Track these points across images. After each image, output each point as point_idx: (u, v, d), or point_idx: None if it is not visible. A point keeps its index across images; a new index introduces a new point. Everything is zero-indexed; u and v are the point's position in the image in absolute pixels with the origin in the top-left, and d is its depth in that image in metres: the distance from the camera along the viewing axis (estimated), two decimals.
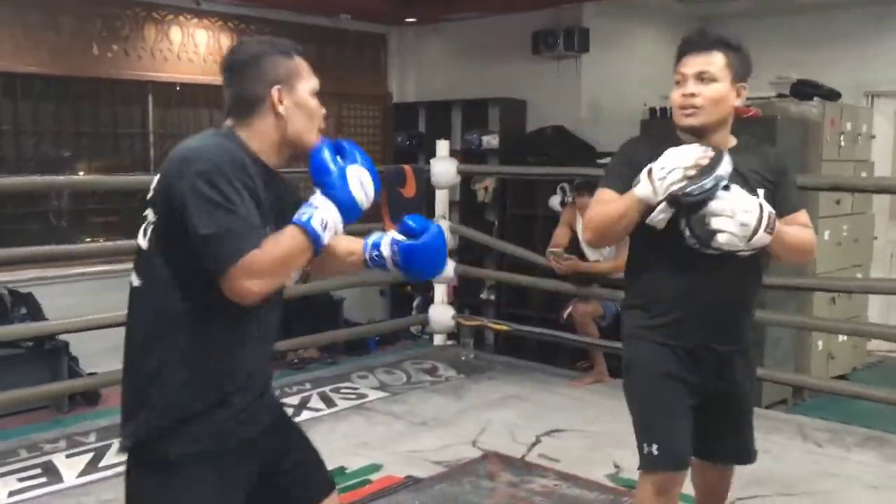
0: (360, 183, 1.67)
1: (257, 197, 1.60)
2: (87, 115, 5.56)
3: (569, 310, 4.84)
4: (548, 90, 6.48)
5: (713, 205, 1.91)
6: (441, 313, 5.36)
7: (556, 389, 4.67)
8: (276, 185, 1.72)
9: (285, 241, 1.59)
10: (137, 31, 5.73)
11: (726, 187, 1.93)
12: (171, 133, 6.07)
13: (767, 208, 1.95)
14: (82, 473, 3.34)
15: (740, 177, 2.02)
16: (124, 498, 1.66)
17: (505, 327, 5.35)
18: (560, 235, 4.75)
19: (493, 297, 6.63)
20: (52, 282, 5.18)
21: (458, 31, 7.00)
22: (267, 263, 1.55)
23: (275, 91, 1.68)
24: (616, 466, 3.54)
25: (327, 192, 1.63)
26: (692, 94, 2.07)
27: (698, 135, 2.08)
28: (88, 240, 5.51)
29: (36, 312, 4.95)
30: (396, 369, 5.12)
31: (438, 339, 5.52)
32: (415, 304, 6.81)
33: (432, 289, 5.47)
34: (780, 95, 5.22)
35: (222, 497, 1.67)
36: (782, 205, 2.09)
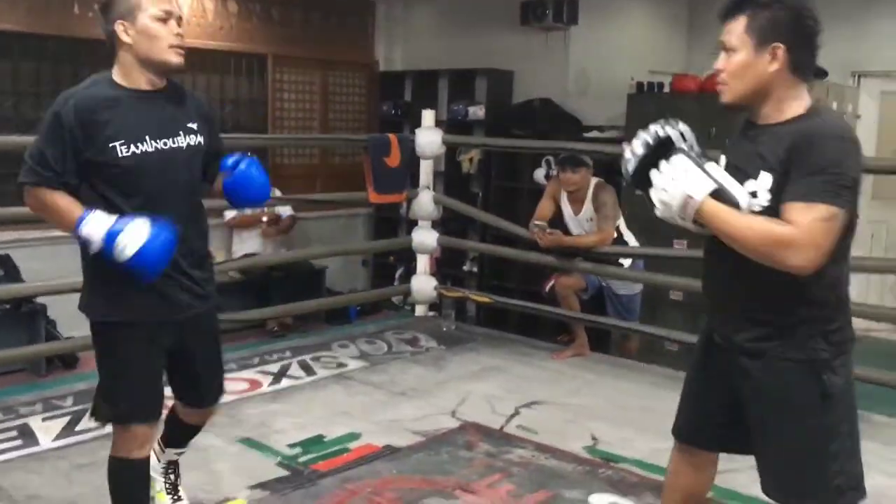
0: (123, 245, 2.01)
1: (124, 118, 2.09)
2: (67, 75, 5.45)
3: (551, 283, 4.84)
4: (535, 62, 6.44)
5: (653, 176, 1.86)
6: (423, 284, 5.35)
7: (537, 362, 4.68)
8: (159, 101, 2.18)
9: (62, 206, 2.09)
10: None
11: (673, 155, 1.84)
12: None
13: (693, 193, 1.79)
14: (58, 437, 3.32)
15: (758, 157, 1.82)
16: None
17: (487, 299, 5.35)
18: (544, 208, 4.74)
19: (475, 269, 6.64)
20: (29, 244, 5.12)
21: (446, 1, 6.92)
22: (39, 204, 2.11)
23: (118, 25, 2.10)
24: (593, 439, 3.56)
25: (108, 232, 2.02)
26: (719, 71, 1.90)
27: (740, 111, 1.92)
28: None
29: (14, 274, 4.90)
30: (377, 339, 5.12)
31: (420, 310, 5.51)
32: (397, 274, 6.81)
33: (415, 259, 5.45)
34: None
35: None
36: (782, 194, 1.77)
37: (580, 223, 4.69)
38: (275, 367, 4.52)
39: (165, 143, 2.15)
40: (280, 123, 6.77)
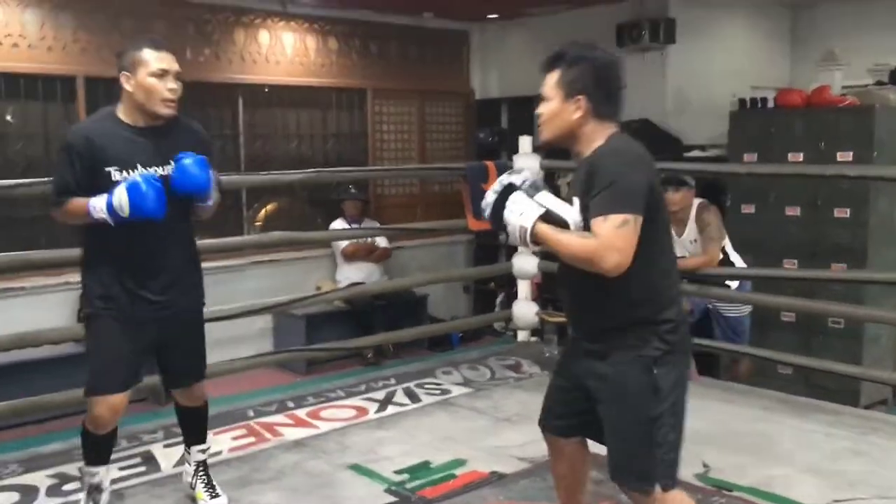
0: (119, 200, 2.51)
1: (122, 149, 2.58)
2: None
3: None
4: (633, 83, 6.27)
5: (504, 215, 2.15)
6: (525, 309, 5.34)
7: None
8: (156, 137, 2.64)
9: (77, 204, 2.56)
10: (227, 35, 5.91)
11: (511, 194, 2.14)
12: (260, 133, 6.24)
13: (524, 222, 2.09)
14: (178, 463, 3.46)
15: (575, 185, 2.21)
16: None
17: None
18: None
19: None
20: None
21: (540, 26, 6.96)
22: (60, 213, 2.62)
23: (122, 75, 2.59)
24: (705, 466, 3.46)
25: (107, 203, 2.53)
26: (539, 115, 2.24)
27: (556, 147, 2.29)
28: None
29: None
30: (480, 365, 5.13)
31: (522, 336, 5.50)
32: (498, 300, 6.82)
33: (515, 285, 5.46)
34: (878, 83, 5.03)
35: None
36: (589, 211, 2.07)
37: (683, 245, 4.60)
38: (380, 395, 4.59)
39: (154, 171, 2.60)
40: (380, 154, 6.93)
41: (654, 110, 6.22)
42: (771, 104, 5.47)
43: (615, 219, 1.99)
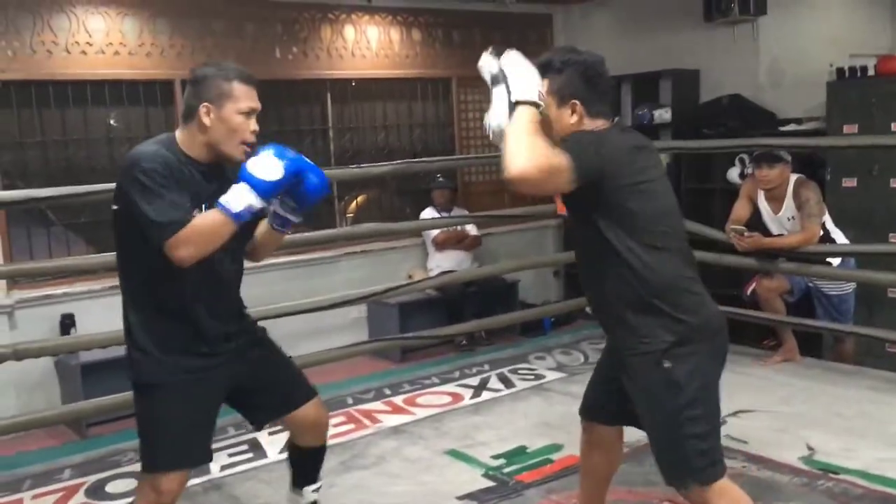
0: (262, 165, 2.14)
1: (178, 185, 2.13)
2: (272, 115, 5.91)
3: (752, 286, 4.65)
4: (722, 57, 6.21)
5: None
6: None
7: (742, 369, 4.50)
8: (213, 175, 2.25)
9: (206, 217, 2.13)
10: (314, 32, 6.03)
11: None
12: (348, 127, 6.35)
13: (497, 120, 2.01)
14: (283, 450, 3.60)
15: None
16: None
17: None
18: (740, 209, 4.56)
19: None
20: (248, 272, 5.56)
21: (624, 5, 6.84)
22: (189, 235, 2.09)
23: (203, 107, 2.19)
24: (810, 448, 3.38)
25: (239, 179, 2.14)
26: None
27: None
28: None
29: None
30: (573, 350, 5.13)
31: None
32: None
33: None
34: None
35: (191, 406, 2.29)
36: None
37: (780, 223, 4.47)
38: (475, 381, 4.64)
39: None
40: (466, 143, 6.95)
41: (746, 85, 6.04)
42: (871, 72, 5.24)
43: (559, 159, 1.95)
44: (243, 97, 2.22)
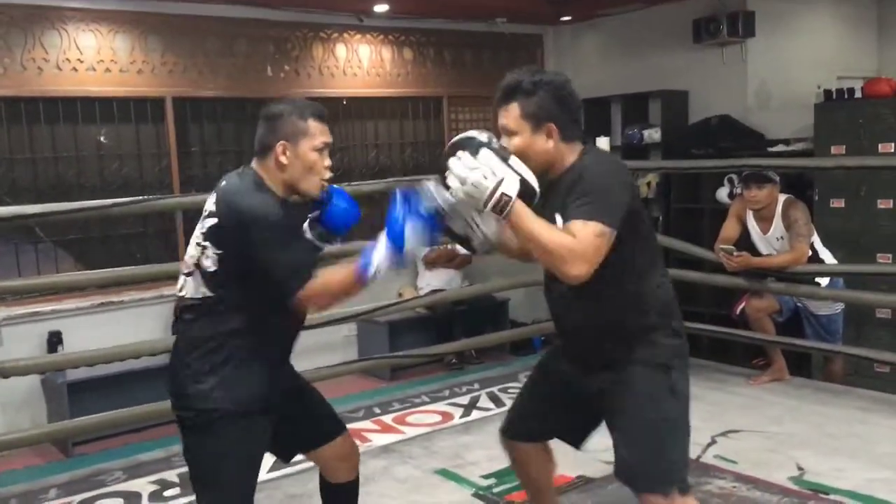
0: (414, 236, 2.01)
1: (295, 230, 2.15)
2: None
3: (742, 305, 4.66)
4: (711, 79, 6.27)
5: (449, 163, 1.96)
6: None
7: (732, 388, 4.51)
8: (297, 214, 2.26)
9: (341, 276, 2.08)
10: (306, 50, 6.05)
11: (477, 152, 1.94)
12: (339, 145, 6.36)
13: (506, 189, 1.90)
14: (272, 468, 3.56)
15: (550, 207, 2.08)
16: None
17: None
18: (729, 229, 4.58)
19: None
20: None
21: (614, 26, 6.89)
22: (321, 292, 2.07)
23: (279, 145, 2.15)
24: (799, 468, 3.38)
25: (389, 240, 2.02)
26: None
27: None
28: None
29: None
30: None
31: None
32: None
33: None
34: None
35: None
36: (565, 218, 2.00)
37: (769, 242, 4.49)
38: (465, 399, 4.63)
39: None
40: None
41: (735, 106, 6.09)
42: (858, 94, 5.29)
43: (595, 227, 1.93)
44: (318, 134, 2.20)
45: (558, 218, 2.05)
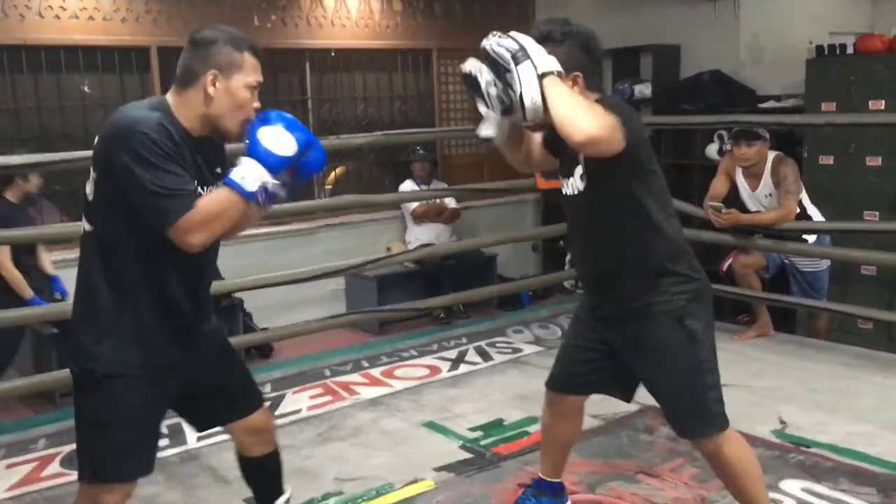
0: (275, 138, 1.93)
1: (182, 161, 1.90)
2: None
3: (729, 261, 4.68)
4: (703, 34, 6.21)
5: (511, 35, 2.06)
6: None
7: (717, 343, 4.53)
8: (205, 150, 2.03)
9: (217, 197, 1.90)
10: (293, 0, 5.95)
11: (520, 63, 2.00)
12: (327, 98, 6.29)
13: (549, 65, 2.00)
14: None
15: (569, 156, 2.20)
16: None
17: None
18: (718, 186, 4.58)
19: None
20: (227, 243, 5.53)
21: None
22: (202, 218, 1.86)
23: (210, 74, 1.95)
24: (782, 422, 3.43)
25: (248, 153, 1.92)
26: None
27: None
28: None
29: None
30: (550, 323, 5.15)
31: None
32: (567, 258, 6.79)
33: None
34: None
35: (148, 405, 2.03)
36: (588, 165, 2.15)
37: (758, 199, 4.50)
38: (452, 354, 4.66)
39: (202, 189, 1.97)
40: (447, 116, 6.92)
41: (727, 61, 6.05)
42: (850, 50, 5.26)
43: (613, 117, 1.99)
44: (253, 70, 2.00)
45: (579, 168, 2.18)
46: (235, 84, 1.98)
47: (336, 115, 6.32)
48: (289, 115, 2.02)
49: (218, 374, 2.19)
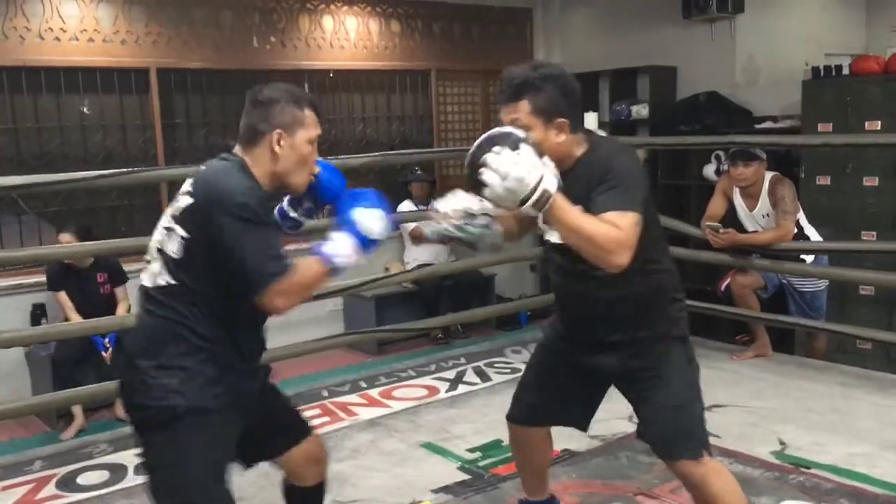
0: (372, 222, 2.01)
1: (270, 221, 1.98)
2: None
3: (727, 282, 4.69)
4: (700, 55, 6.25)
5: (488, 158, 1.89)
6: None
7: (715, 364, 4.54)
8: (272, 207, 2.12)
9: (311, 266, 1.95)
10: (292, 22, 5.99)
11: (516, 147, 1.90)
12: (326, 118, 6.30)
13: (547, 185, 1.88)
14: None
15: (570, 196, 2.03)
16: None
17: None
18: (715, 206, 4.60)
19: None
20: None
21: (604, 1, 6.85)
22: (295, 284, 1.91)
23: (275, 133, 1.99)
24: (781, 443, 3.42)
25: (344, 228, 1.99)
26: None
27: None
28: None
29: None
30: None
31: None
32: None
33: None
34: None
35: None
36: (595, 208, 2.01)
37: (755, 220, 4.51)
38: (451, 374, 4.65)
39: None
40: (445, 136, 6.94)
41: (723, 82, 6.08)
42: (846, 72, 5.30)
43: (633, 216, 1.98)
44: (313, 125, 2.05)
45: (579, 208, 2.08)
46: (299, 140, 2.03)
47: (335, 135, 6.34)
48: (376, 194, 2.07)
49: (266, 405, 2.20)
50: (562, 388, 2.45)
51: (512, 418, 2.57)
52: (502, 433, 3.63)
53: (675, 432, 2.24)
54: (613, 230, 1.94)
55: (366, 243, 2.00)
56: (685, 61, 6.40)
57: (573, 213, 1.95)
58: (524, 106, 2.07)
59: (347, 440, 3.70)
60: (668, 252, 2.33)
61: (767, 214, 4.44)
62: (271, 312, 1.96)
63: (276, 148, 1.99)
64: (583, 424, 2.56)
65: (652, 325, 2.25)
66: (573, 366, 2.39)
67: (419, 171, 6.31)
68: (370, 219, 2.01)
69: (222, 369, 1.99)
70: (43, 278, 4.72)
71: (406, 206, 6.19)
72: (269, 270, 1.88)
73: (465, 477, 3.24)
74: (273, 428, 2.23)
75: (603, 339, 2.30)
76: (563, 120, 2.09)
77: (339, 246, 1.97)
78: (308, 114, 2.04)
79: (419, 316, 5.64)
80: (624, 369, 2.30)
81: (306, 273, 1.93)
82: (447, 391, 4.37)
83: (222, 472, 2.03)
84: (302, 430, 2.29)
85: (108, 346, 4.40)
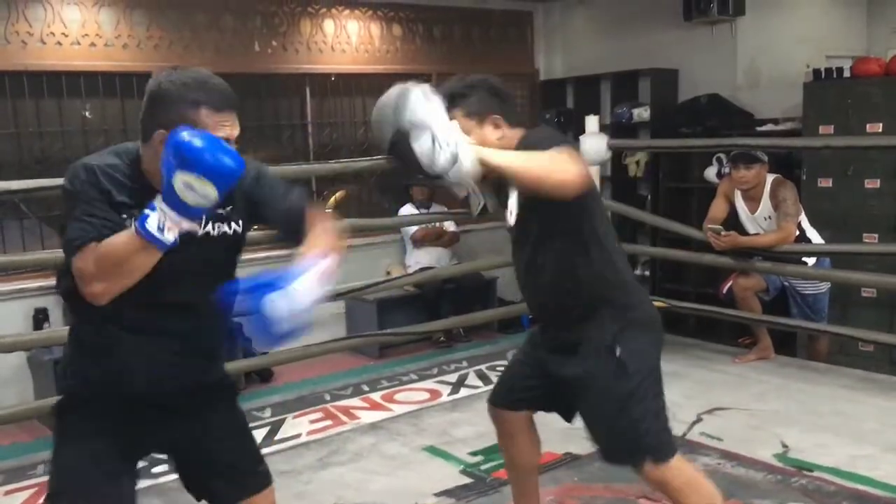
0: (188, 186, 1.59)
1: (118, 206, 1.75)
2: (251, 109, 5.87)
3: (729, 284, 4.68)
4: (701, 57, 6.25)
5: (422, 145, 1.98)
6: None
7: (717, 367, 4.54)
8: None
9: (118, 242, 1.67)
10: (294, 26, 5.99)
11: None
12: (328, 122, 6.32)
13: (456, 149, 1.90)
14: (260, 445, 3.56)
15: (505, 190, 2.11)
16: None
17: (661, 303, 5.22)
18: (717, 209, 4.59)
19: (647, 273, 6.51)
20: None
21: (604, 3, 6.86)
22: (100, 262, 1.66)
23: (158, 134, 1.71)
24: (784, 446, 3.41)
25: (161, 199, 1.63)
26: None
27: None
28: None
29: None
30: None
31: None
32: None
33: None
34: None
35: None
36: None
37: (757, 222, 4.51)
38: (453, 377, 4.65)
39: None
40: None
41: (724, 85, 6.09)
42: (847, 74, 5.30)
43: (567, 149, 2.00)
44: (212, 126, 1.70)
45: (513, 196, 2.09)
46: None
47: (336, 139, 6.35)
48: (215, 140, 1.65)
49: (220, 443, 1.99)
50: (525, 373, 2.49)
51: (490, 399, 2.58)
52: None
53: (608, 444, 2.25)
54: (554, 154, 1.96)
55: (183, 209, 1.62)
56: (686, 64, 6.40)
57: (507, 153, 1.99)
58: (458, 114, 2.14)
59: (349, 444, 3.70)
60: (613, 250, 2.25)
61: (769, 217, 4.43)
62: (93, 300, 1.71)
63: (160, 148, 1.66)
64: (567, 416, 2.51)
65: (579, 327, 2.22)
66: (535, 357, 2.44)
67: (421, 175, 6.29)
68: (184, 185, 1.60)
69: (107, 358, 1.86)
70: (45, 283, 4.72)
71: (407, 209, 6.19)
72: (70, 235, 1.71)
73: (468, 480, 3.24)
74: (225, 473, 1.98)
75: (548, 334, 2.36)
76: (496, 116, 2.18)
77: (154, 215, 1.63)
78: (205, 113, 1.70)
79: (421, 319, 5.64)
80: (558, 375, 2.30)
81: (113, 240, 1.67)
82: (449, 394, 4.37)
83: (84, 460, 1.88)
84: (258, 482, 2.01)
85: None
